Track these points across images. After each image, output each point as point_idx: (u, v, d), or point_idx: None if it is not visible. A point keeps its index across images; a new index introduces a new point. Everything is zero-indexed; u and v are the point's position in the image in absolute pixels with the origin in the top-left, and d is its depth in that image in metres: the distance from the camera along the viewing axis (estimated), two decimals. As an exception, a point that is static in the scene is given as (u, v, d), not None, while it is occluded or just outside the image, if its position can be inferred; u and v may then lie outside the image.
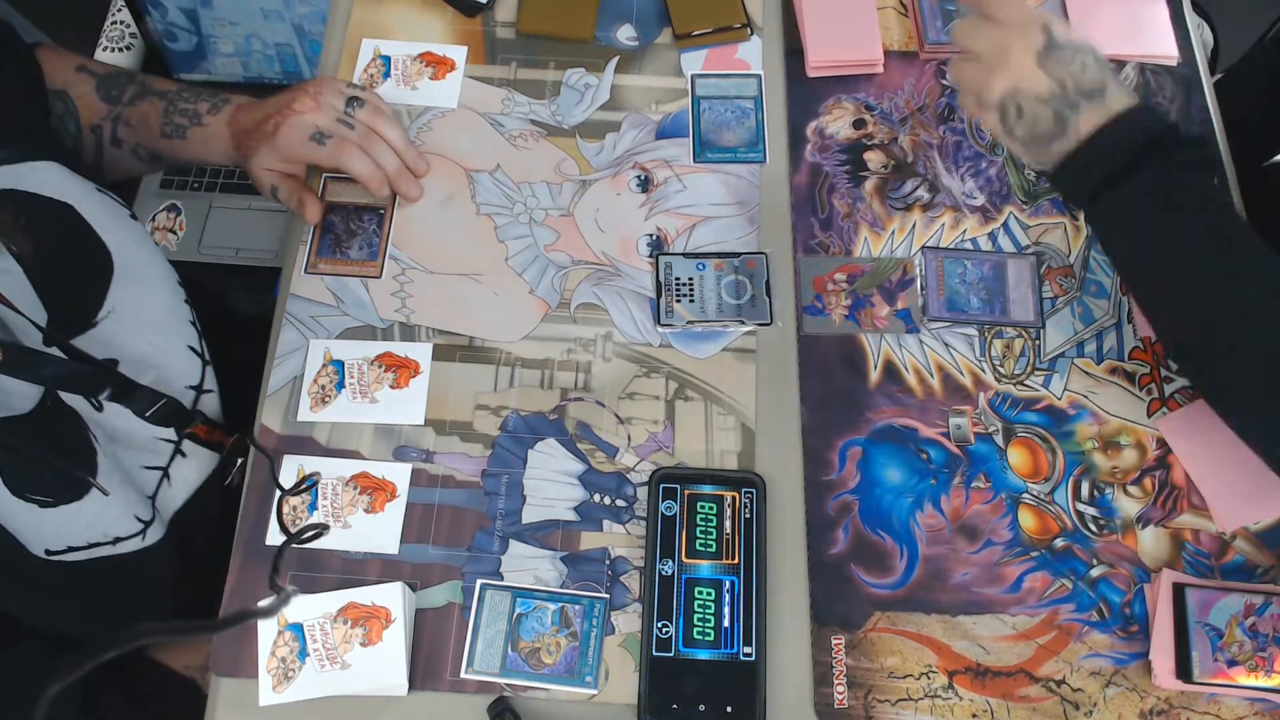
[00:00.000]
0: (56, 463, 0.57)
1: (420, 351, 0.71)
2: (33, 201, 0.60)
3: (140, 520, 0.62)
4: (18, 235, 0.58)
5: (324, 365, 0.69)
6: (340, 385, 0.69)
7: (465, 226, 0.76)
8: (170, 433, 0.66)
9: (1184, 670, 0.61)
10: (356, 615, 0.61)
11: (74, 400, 0.60)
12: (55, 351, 0.59)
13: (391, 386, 0.69)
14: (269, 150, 0.69)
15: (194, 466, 0.69)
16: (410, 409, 0.69)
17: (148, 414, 0.63)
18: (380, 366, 0.70)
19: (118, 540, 0.61)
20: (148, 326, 0.65)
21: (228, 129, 0.72)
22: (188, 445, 0.68)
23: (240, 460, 0.71)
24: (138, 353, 0.64)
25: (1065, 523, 0.67)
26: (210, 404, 0.70)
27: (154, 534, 0.64)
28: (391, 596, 0.62)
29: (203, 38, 1.19)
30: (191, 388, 0.68)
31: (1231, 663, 0.61)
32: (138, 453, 0.64)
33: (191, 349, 0.68)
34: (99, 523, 0.59)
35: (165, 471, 0.66)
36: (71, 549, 0.59)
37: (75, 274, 0.62)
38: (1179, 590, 0.63)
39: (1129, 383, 0.72)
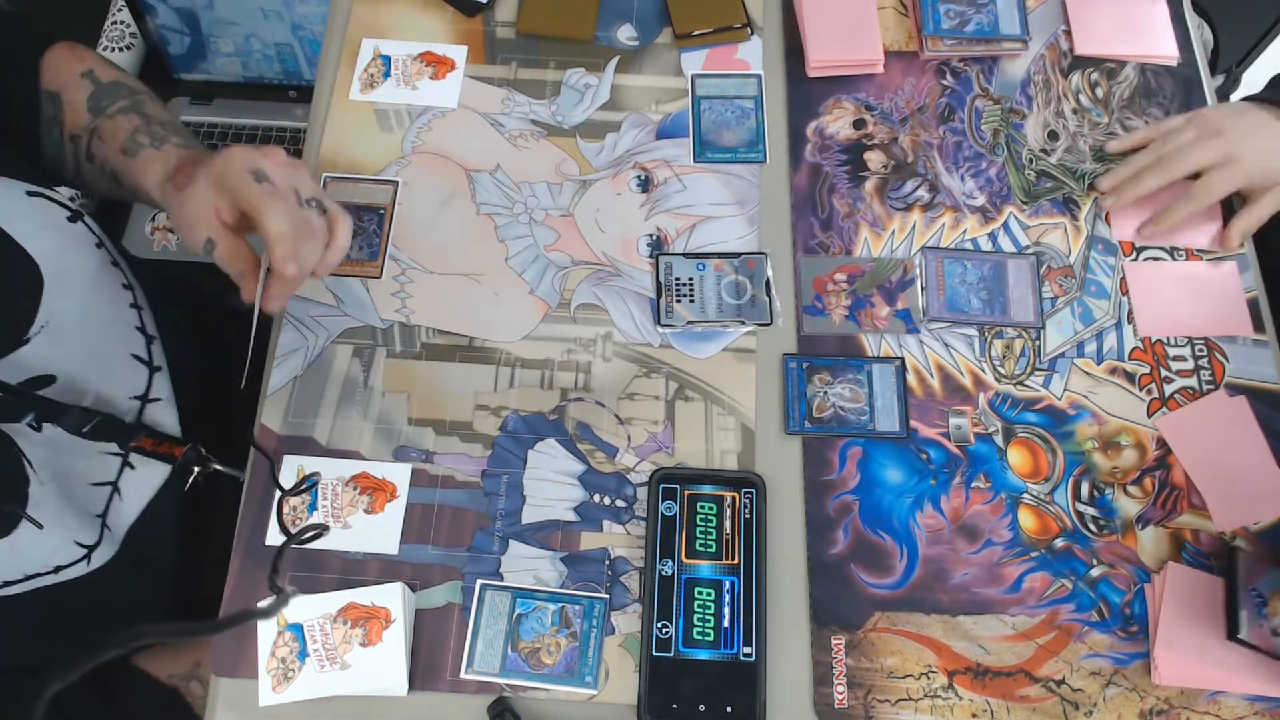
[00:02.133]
0: None
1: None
2: None
3: (82, 545, 0.60)
4: None
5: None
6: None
7: (465, 226, 0.76)
8: (114, 446, 0.63)
9: (1232, 628, 0.61)
10: (356, 615, 0.61)
11: (9, 424, 0.57)
12: None
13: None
14: (204, 174, 0.58)
15: (145, 478, 0.66)
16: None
17: (84, 431, 0.60)
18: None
19: (59, 569, 0.58)
20: (86, 338, 0.61)
21: (175, 157, 0.63)
22: (135, 457, 0.65)
23: (197, 469, 0.69)
24: (75, 366, 0.60)
25: (1065, 523, 0.67)
26: (159, 413, 0.67)
27: (102, 555, 0.62)
28: (391, 597, 0.62)
29: (203, 38, 1.19)
30: (136, 398, 0.65)
31: (1275, 632, 0.61)
32: (85, 467, 0.61)
33: (136, 357, 0.65)
34: (35, 554, 0.56)
35: (115, 486, 0.63)
36: (7, 583, 0.56)
37: None
38: (1232, 551, 0.64)
39: (1129, 383, 0.72)
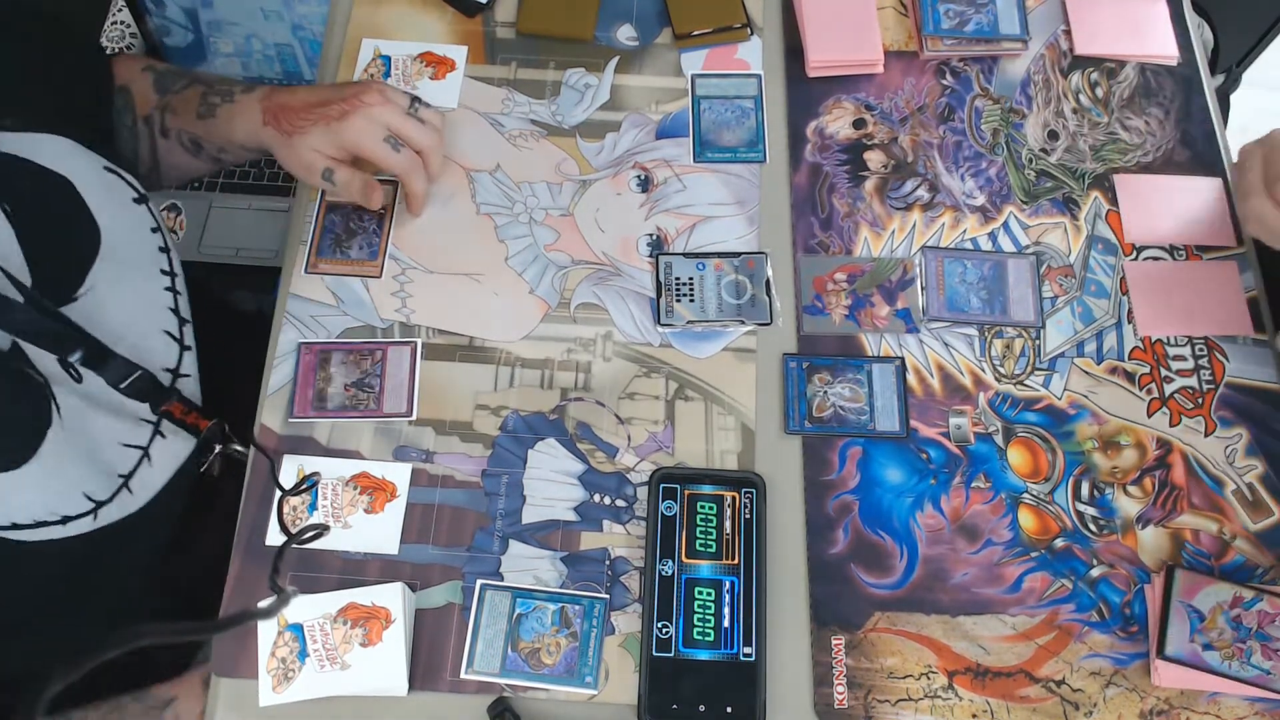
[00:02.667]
0: None
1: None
2: (30, 170, 0.60)
3: (91, 499, 0.60)
4: (12, 198, 0.58)
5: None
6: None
7: (465, 226, 0.76)
8: (147, 410, 0.65)
9: (1160, 645, 0.62)
10: (356, 616, 0.61)
11: (50, 368, 0.59)
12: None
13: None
14: (325, 134, 0.68)
15: (173, 449, 0.68)
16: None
17: (122, 385, 0.62)
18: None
19: (66, 520, 0.59)
20: (124, 309, 0.65)
21: (259, 104, 0.71)
22: (166, 426, 0.67)
23: (218, 448, 0.71)
24: (113, 333, 0.63)
25: (1065, 523, 0.67)
26: (187, 387, 0.69)
27: (111, 514, 0.62)
28: (391, 597, 0.62)
29: (202, 37, 1.19)
30: (168, 370, 0.67)
31: (1207, 646, 0.61)
32: (117, 426, 0.63)
33: (169, 334, 0.68)
34: (42, 497, 0.57)
35: (146, 451, 0.65)
36: (16, 526, 0.56)
37: (62, 246, 0.62)
38: (1170, 570, 0.64)
39: (1129, 383, 0.72)
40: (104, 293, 0.63)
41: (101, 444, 0.62)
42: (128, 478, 0.64)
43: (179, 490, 0.69)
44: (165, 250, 0.69)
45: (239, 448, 0.72)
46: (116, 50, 1.27)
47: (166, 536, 0.70)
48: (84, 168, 0.64)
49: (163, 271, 0.68)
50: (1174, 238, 0.77)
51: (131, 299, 0.66)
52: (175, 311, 0.69)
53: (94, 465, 0.61)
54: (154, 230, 0.69)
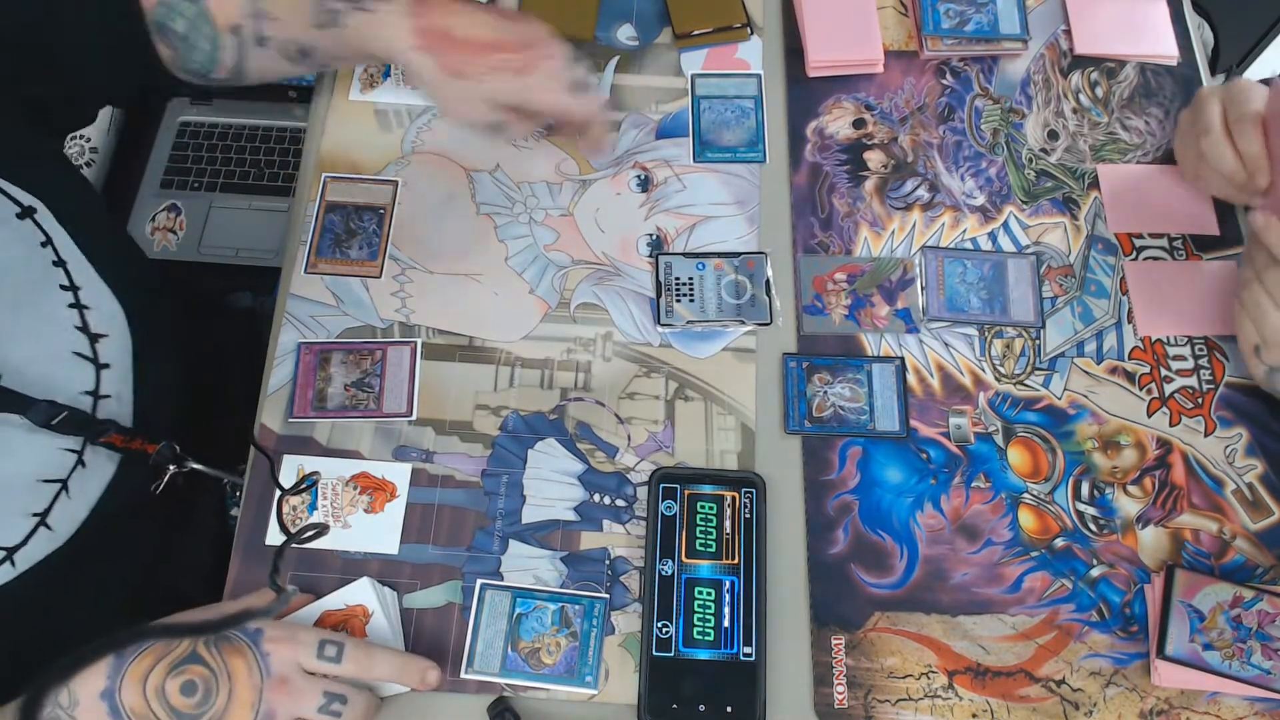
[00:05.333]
0: None
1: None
2: None
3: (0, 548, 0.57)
4: None
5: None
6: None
7: (465, 226, 0.76)
8: (74, 442, 0.61)
9: (1160, 645, 0.62)
10: (334, 622, 0.61)
11: None
12: None
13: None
14: (508, 87, 0.63)
15: (95, 476, 0.63)
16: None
17: (52, 423, 0.58)
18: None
19: None
20: (23, 339, 0.59)
21: (409, 21, 0.63)
22: (88, 455, 0.62)
23: (171, 469, 0.67)
24: (15, 368, 0.58)
25: (1065, 523, 0.67)
26: (110, 410, 0.64)
27: (33, 555, 0.58)
28: (362, 594, 0.61)
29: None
30: (86, 393, 0.62)
31: (1207, 646, 0.61)
32: (33, 462, 0.59)
33: (79, 355, 0.62)
34: None
35: (64, 484, 0.60)
36: None
37: None
38: (1170, 570, 0.64)
39: (1129, 383, 0.72)
40: None
41: (10, 485, 0.58)
42: (44, 515, 0.59)
43: (114, 517, 0.64)
44: (60, 264, 0.63)
45: (197, 465, 0.68)
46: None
47: (128, 562, 0.67)
48: None
49: (62, 288, 0.62)
50: (1156, 226, 0.77)
51: (30, 325, 0.60)
52: (84, 330, 0.63)
53: None
54: (44, 244, 0.62)
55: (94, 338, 0.63)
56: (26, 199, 0.61)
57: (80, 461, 0.61)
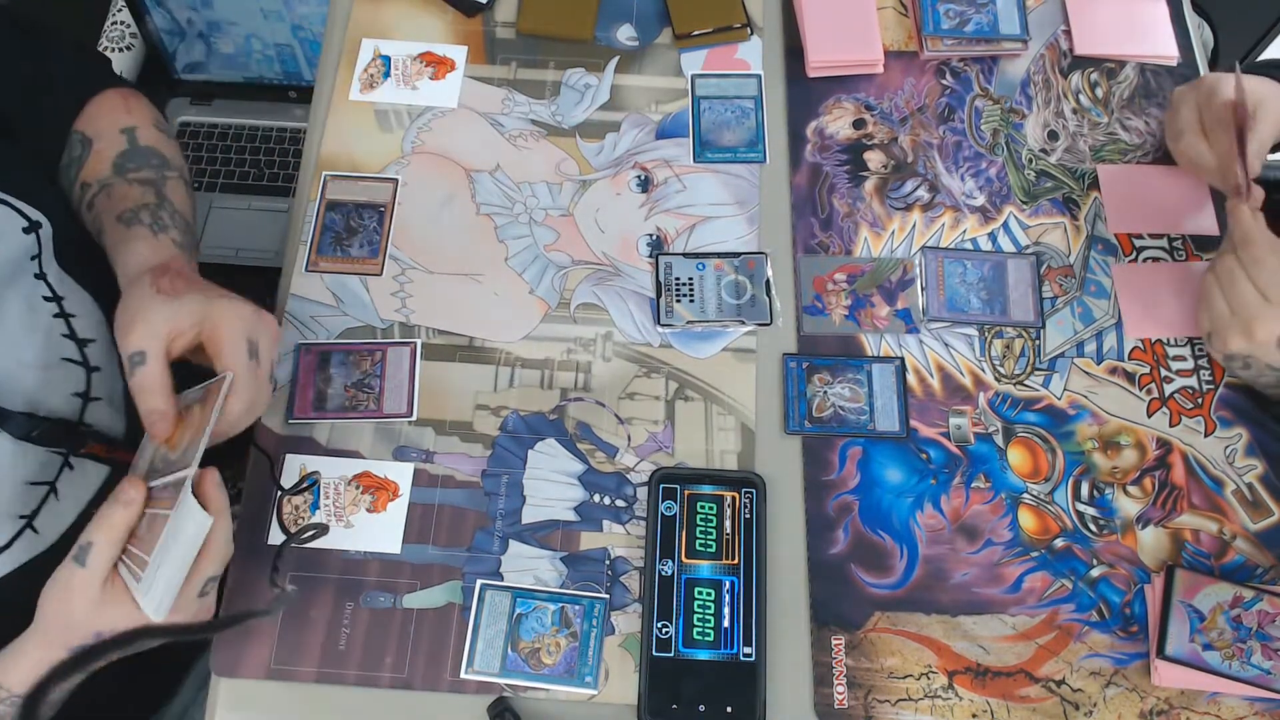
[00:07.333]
0: None
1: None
2: None
3: None
4: None
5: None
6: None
7: (465, 226, 0.76)
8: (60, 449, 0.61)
9: (1160, 645, 0.62)
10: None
11: None
12: None
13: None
14: (195, 306, 0.56)
15: (83, 479, 0.63)
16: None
17: (32, 436, 0.58)
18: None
19: None
20: (12, 349, 0.60)
21: (166, 253, 0.63)
22: (74, 457, 0.63)
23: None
24: (9, 377, 0.59)
25: (1065, 523, 0.67)
26: (100, 412, 0.65)
27: (18, 556, 0.59)
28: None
29: (202, 38, 1.19)
30: (77, 395, 0.63)
31: (1207, 646, 0.61)
32: (20, 465, 0.59)
33: (69, 360, 0.63)
34: None
35: (52, 486, 0.61)
36: None
37: None
38: (1170, 570, 0.64)
39: (1129, 383, 0.72)
40: None
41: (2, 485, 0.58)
42: (31, 517, 0.60)
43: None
44: (41, 276, 0.64)
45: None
46: (116, 51, 1.27)
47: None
48: None
49: (45, 299, 0.63)
50: (1156, 226, 0.77)
51: (18, 335, 0.60)
52: (71, 336, 0.64)
53: None
54: (33, 258, 0.63)
55: (82, 343, 0.64)
56: (33, 216, 0.63)
57: (67, 464, 0.62)
